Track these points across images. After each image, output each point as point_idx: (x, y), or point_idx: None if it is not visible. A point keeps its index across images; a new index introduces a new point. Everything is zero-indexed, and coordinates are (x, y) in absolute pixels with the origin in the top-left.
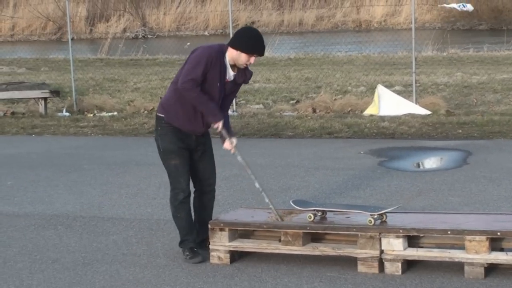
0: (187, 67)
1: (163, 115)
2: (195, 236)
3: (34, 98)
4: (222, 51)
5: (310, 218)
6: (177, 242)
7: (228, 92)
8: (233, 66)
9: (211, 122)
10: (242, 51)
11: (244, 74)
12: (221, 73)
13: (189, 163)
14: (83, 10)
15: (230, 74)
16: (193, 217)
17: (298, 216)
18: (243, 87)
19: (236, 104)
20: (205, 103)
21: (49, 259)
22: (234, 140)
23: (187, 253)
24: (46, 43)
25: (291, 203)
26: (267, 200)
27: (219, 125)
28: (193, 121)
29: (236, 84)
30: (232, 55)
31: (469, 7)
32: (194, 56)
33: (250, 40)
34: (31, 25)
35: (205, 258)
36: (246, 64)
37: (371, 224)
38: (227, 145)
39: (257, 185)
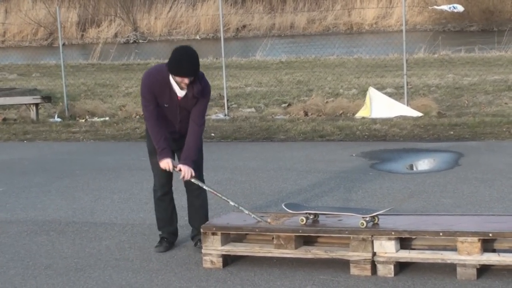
0: (141, 101)
1: None
2: (169, 228)
3: (25, 104)
4: (166, 75)
5: (302, 221)
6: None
7: (187, 106)
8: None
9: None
10: (172, 74)
11: (192, 88)
12: (168, 95)
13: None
14: (74, 16)
15: (180, 92)
16: (172, 213)
17: (290, 219)
18: (235, 91)
19: (228, 108)
20: (156, 137)
21: (42, 265)
22: (184, 168)
23: (157, 244)
24: (37, 48)
25: (283, 207)
26: (247, 212)
27: (162, 163)
28: (169, 127)
29: (192, 98)
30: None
31: (460, 8)
32: (141, 86)
33: (175, 62)
34: (22, 31)
35: (168, 249)
36: (184, 84)
37: (363, 226)
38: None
39: (231, 203)
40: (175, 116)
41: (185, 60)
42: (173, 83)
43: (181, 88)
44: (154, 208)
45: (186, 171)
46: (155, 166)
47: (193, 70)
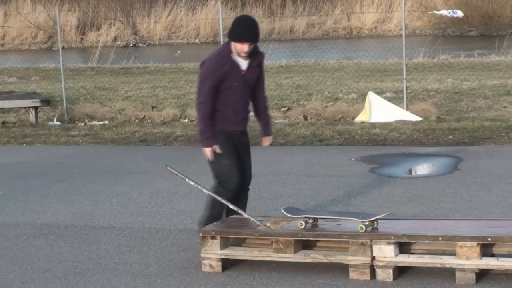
0: (197, 87)
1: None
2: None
3: (24, 107)
4: (226, 51)
5: (302, 225)
6: (169, 251)
7: (252, 80)
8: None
9: (202, 145)
10: (232, 40)
11: (255, 58)
12: (234, 72)
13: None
14: (73, 19)
15: (243, 64)
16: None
17: (289, 223)
18: None
19: None
20: (206, 122)
21: (41, 268)
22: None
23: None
24: (37, 52)
25: (283, 211)
26: (246, 216)
27: (205, 150)
28: (236, 107)
29: (254, 68)
30: (232, 46)
31: (459, 13)
32: (201, 72)
33: (236, 28)
34: (21, 34)
35: None
36: (244, 53)
37: (362, 231)
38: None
39: (231, 207)
40: (242, 93)
41: (246, 26)
42: (235, 58)
43: (244, 59)
44: (210, 207)
45: (270, 139)
46: (230, 167)
47: (254, 35)
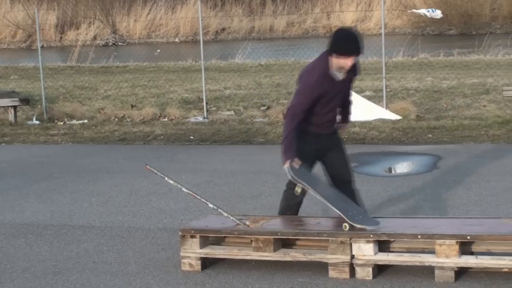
0: (294, 100)
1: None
2: None
3: (3, 106)
4: (325, 68)
5: (297, 193)
6: (148, 250)
7: (345, 87)
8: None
9: (282, 158)
10: (337, 54)
11: (353, 70)
12: (333, 87)
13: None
14: (53, 18)
15: (340, 75)
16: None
17: (268, 222)
18: (214, 93)
19: (207, 110)
20: (287, 136)
21: (20, 268)
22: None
23: None
24: (16, 51)
25: (290, 168)
26: (225, 215)
27: (286, 164)
28: (329, 119)
29: (349, 76)
30: (333, 61)
31: (438, 13)
32: (302, 85)
33: (341, 43)
34: (0, 33)
35: None
36: (348, 66)
37: (346, 229)
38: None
39: (210, 205)
40: (336, 103)
41: (352, 39)
42: (333, 73)
43: (342, 71)
44: (281, 210)
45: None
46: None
47: (360, 46)
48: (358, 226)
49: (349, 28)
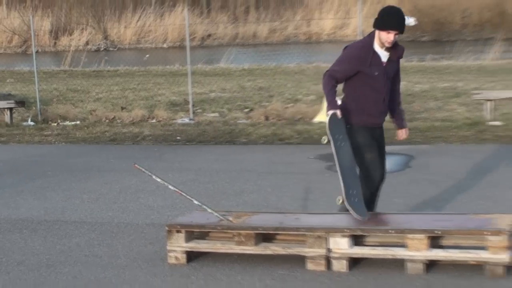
0: (334, 63)
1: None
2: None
3: (0, 108)
4: (370, 42)
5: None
6: (137, 244)
7: (392, 72)
8: (387, 48)
9: (327, 109)
10: (379, 29)
11: (395, 51)
12: (376, 62)
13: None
14: (47, 24)
15: (384, 56)
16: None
17: (250, 218)
18: (200, 96)
19: (193, 112)
20: (328, 92)
21: (15, 261)
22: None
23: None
24: (12, 55)
25: (331, 116)
26: (210, 211)
27: (330, 112)
28: (376, 99)
29: (394, 62)
30: (377, 37)
31: (412, 20)
32: (343, 54)
33: (384, 17)
34: None
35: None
36: (388, 42)
37: (339, 203)
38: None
39: (195, 202)
40: (383, 84)
41: (394, 13)
42: (377, 49)
43: (386, 49)
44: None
45: (406, 132)
46: (373, 161)
47: (402, 23)
48: (348, 207)
49: (394, 5)
